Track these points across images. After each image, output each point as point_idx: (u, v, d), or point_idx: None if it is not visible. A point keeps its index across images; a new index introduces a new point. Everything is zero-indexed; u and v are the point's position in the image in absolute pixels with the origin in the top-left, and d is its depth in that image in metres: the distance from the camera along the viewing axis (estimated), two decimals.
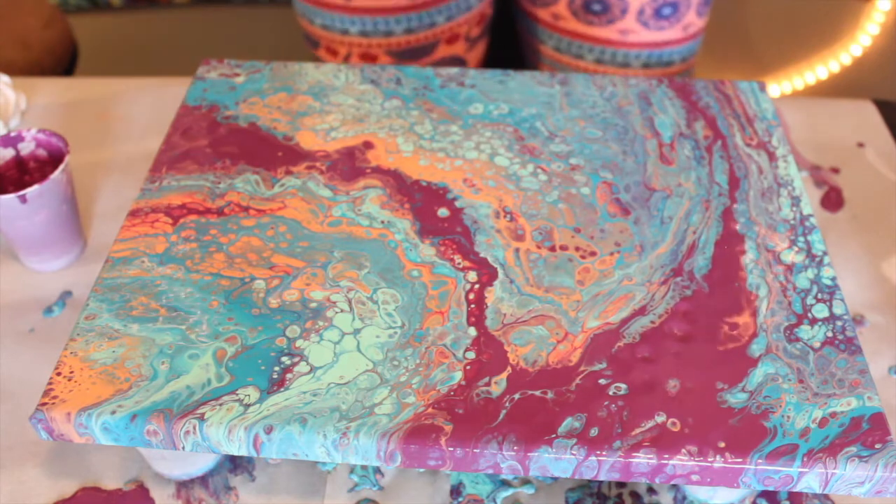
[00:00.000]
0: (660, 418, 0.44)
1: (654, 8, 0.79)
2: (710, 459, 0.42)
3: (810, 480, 0.43)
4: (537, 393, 0.44)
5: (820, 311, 0.49)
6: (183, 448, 0.44)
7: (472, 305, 0.48)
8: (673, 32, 0.82)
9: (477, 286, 0.49)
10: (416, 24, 0.81)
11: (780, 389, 0.45)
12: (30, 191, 0.56)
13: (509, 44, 0.95)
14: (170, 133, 0.59)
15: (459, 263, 0.51)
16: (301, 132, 0.59)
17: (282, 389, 0.44)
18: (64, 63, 1.12)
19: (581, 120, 0.61)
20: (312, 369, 0.45)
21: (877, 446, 0.43)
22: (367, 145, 0.58)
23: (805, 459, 0.42)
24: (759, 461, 0.42)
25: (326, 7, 0.81)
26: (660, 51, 0.83)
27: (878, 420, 0.44)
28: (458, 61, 0.87)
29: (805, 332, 0.48)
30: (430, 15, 0.81)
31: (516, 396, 0.44)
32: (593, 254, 0.51)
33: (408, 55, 0.84)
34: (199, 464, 0.51)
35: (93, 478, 0.51)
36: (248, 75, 0.64)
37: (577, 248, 0.52)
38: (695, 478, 0.43)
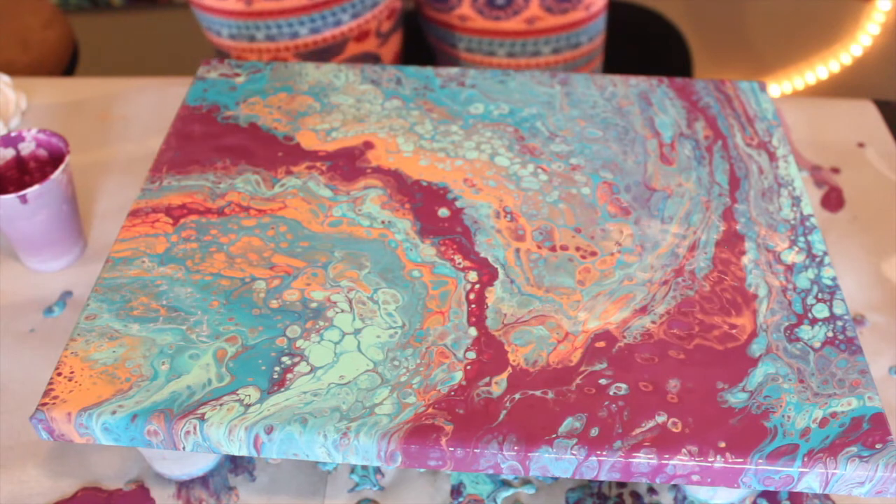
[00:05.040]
0: (660, 418, 0.44)
1: None
2: (710, 459, 0.42)
3: (810, 480, 0.43)
4: (538, 393, 0.44)
5: (820, 311, 0.49)
6: (183, 448, 0.44)
7: (473, 305, 0.48)
8: (577, 14, 0.83)
9: (477, 286, 0.49)
10: (320, 23, 0.81)
11: (781, 389, 0.45)
12: (30, 191, 0.56)
13: (422, 47, 0.95)
14: (170, 133, 0.59)
15: (460, 263, 0.51)
16: (301, 132, 0.59)
17: (282, 389, 0.44)
18: (64, 63, 1.12)
19: (581, 120, 0.61)
20: (313, 369, 0.45)
21: (877, 446, 0.43)
22: (368, 145, 0.58)
23: (805, 459, 0.42)
24: (760, 461, 0.42)
25: (229, 15, 0.80)
26: (567, 34, 0.84)
27: (878, 420, 0.44)
28: (371, 58, 0.87)
29: (805, 332, 0.48)
30: (333, 14, 0.80)
31: (517, 396, 0.44)
32: (594, 254, 0.51)
33: (317, 56, 0.83)
34: (200, 464, 0.51)
35: (93, 478, 0.51)
36: (248, 75, 0.64)
37: (578, 248, 0.52)
38: (695, 478, 0.43)
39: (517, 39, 0.83)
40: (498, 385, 0.45)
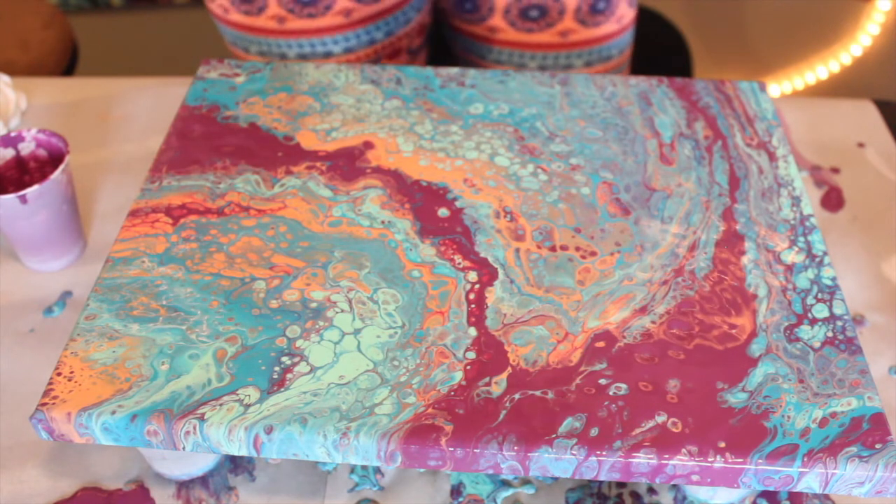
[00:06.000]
0: (660, 418, 0.44)
1: (590, 4, 0.79)
2: (710, 459, 0.42)
3: (810, 480, 0.43)
4: (537, 393, 0.44)
5: (820, 311, 0.49)
6: (183, 448, 0.44)
7: (473, 305, 0.48)
8: (609, 26, 0.82)
9: (477, 286, 0.49)
10: (354, 42, 0.80)
11: (781, 389, 0.45)
12: (30, 191, 0.56)
13: (447, 56, 0.94)
14: (170, 133, 0.59)
15: (460, 263, 0.51)
16: (301, 132, 0.59)
17: (282, 389, 0.44)
18: (64, 63, 1.12)
19: (581, 120, 0.61)
20: (312, 369, 0.45)
21: (877, 446, 0.43)
22: (368, 145, 0.58)
23: (805, 459, 0.42)
24: (760, 461, 0.42)
25: (260, 33, 0.79)
26: (599, 47, 0.83)
27: (878, 420, 0.44)
28: None
29: (805, 332, 0.48)
30: (368, 32, 0.80)
31: (516, 396, 0.44)
32: (593, 254, 0.51)
33: None
34: (200, 464, 0.51)
35: (93, 478, 0.51)
36: (248, 75, 0.64)
37: (578, 248, 0.52)
38: (695, 478, 0.43)
39: (549, 52, 0.82)
40: (498, 385, 0.45)
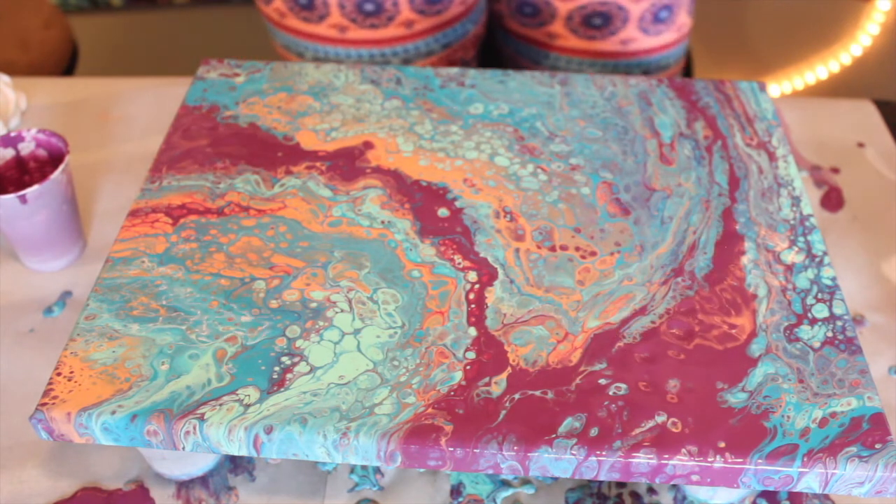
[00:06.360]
0: (660, 418, 0.44)
1: (653, 13, 0.78)
2: (710, 459, 0.42)
3: (810, 480, 0.43)
4: (537, 393, 0.44)
5: (820, 311, 0.49)
6: (183, 448, 0.44)
7: (473, 305, 0.48)
8: (669, 35, 0.82)
9: (477, 286, 0.49)
10: (413, 53, 0.80)
11: (780, 389, 0.45)
12: (30, 191, 0.56)
13: (495, 58, 0.94)
14: (170, 133, 0.59)
15: (459, 263, 0.51)
16: (301, 132, 0.59)
17: (282, 389, 0.44)
18: (64, 63, 1.12)
19: (581, 120, 0.61)
20: (312, 369, 0.45)
21: (877, 446, 0.43)
22: (367, 145, 0.58)
23: (805, 459, 0.42)
24: (759, 461, 0.42)
25: (320, 40, 0.79)
26: (658, 56, 0.83)
27: (878, 420, 0.44)
28: None
29: (805, 332, 0.48)
30: (427, 44, 0.80)
31: (516, 396, 0.44)
32: (593, 254, 0.51)
33: None
34: (200, 464, 0.51)
35: (93, 478, 0.51)
36: (248, 75, 0.64)
37: (578, 248, 0.52)
38: (695, 478, 0.43)
39: (609, 60, 0.82)
40: (498, 385, 0.45)
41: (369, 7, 0.75)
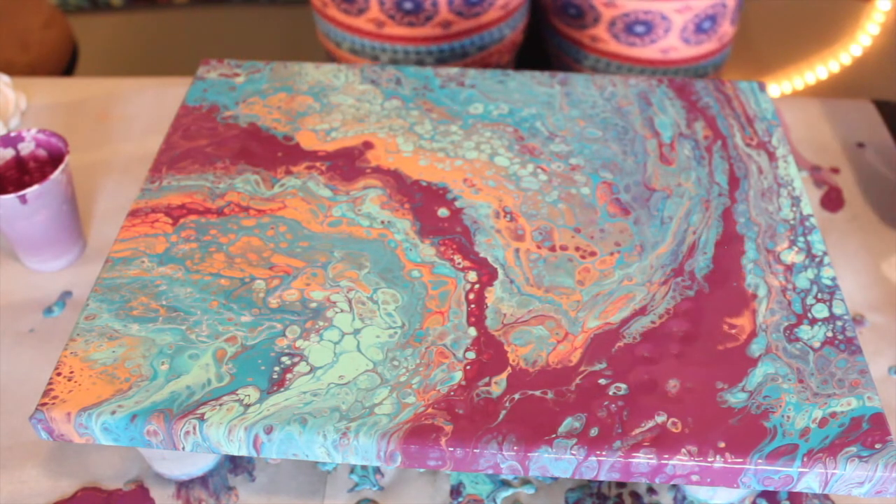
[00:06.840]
0: (660, 418, 0.44)
1: (696, 23, 0.78)
2: (710, 459, 0.42)
3: (810, 480, 0.43)
4: (537, 393, 0.44)
5: (820, 311, 0.49)
6: (183, 448, 0.44)
7: (472, 305, 0.48)
8: (710, 45, 0.82)
9: (477, 286, 0.49)
10: (448, 54, 0.80)
11: (780, 389, 0.45)
12: (30, 191, 0.56)
13: (530, 65, 0.94)
14: (170, 133, 0.59)
15: (459, 263, 0.51)
16: (301, 132, 0.59)
17: (282, 389, 0.44)
18: (64, 63, 1.12)
19: (581, 120, 0.61)
20: (312, 369, 0.45)
21: (877, 446, 0.43)
22: (367, 145, 0.58)
23: (805, 459, 0.42)
24: (759, 461, 0.42)
25: (357, 32, 0.80)
26: (696, 65, 0.83)
27: (878, 420, 0.44)
28: None
29: (805, 332, 0.48)
30: (462, 45, 0.80)
31: (516, 396, 0.44)
32: (593, 254, 0.51)
33: None
34: (200, 464, 0.51)
35: (93, 478, 0.51)
36: (248, 75, 0.64)
37: (577, 248, 0.52)
38: (695, 478, 0.43)
39: (647, 67, 0.82)
40: (497, 385, 0.45)
41: (408, 5, 0.76)
